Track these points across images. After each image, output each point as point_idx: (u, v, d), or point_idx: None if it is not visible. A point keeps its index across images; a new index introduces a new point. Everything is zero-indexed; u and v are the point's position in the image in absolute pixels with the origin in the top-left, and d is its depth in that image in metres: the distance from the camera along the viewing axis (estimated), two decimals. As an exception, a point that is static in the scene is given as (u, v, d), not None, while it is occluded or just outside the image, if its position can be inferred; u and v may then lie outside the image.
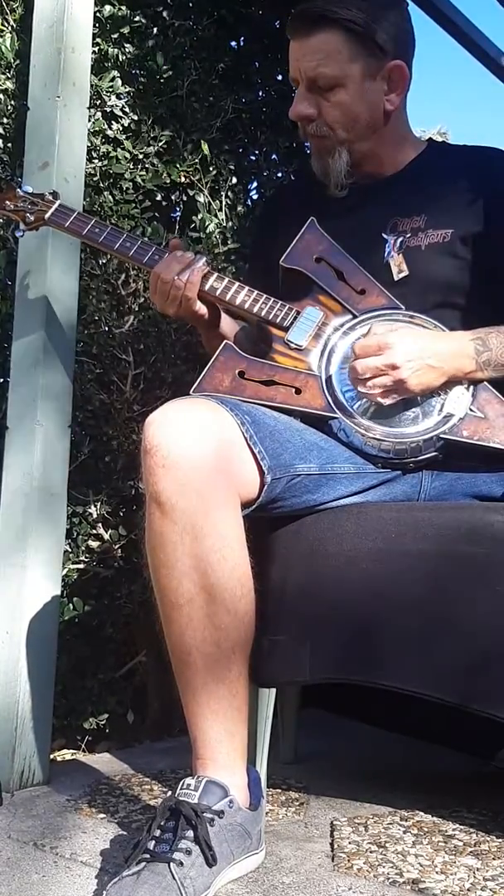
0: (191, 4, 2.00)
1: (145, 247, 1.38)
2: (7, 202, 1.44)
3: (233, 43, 2.09)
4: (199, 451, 1.09)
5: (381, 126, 1.43)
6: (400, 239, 1.40)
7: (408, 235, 1.40)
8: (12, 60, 1.76)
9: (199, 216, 1.93)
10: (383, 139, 1.44)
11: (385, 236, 1.41)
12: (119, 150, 1.85)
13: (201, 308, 1.37)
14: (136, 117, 1.86)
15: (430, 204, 1.41)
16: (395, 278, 1.39)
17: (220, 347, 1.30)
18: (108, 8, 1.82)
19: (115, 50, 1.84)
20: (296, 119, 1.44)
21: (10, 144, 1.76)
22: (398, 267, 1.39)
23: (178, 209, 1.98)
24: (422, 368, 1.25)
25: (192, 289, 1.34)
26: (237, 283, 1.36)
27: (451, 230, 1.38)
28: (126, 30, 1.84)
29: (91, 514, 1.85)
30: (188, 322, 1.45)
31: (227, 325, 1.47)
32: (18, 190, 1.44)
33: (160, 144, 1.89)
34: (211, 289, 1.36)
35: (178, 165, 1.91)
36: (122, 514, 1.90)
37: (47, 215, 1.42)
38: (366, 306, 1.35)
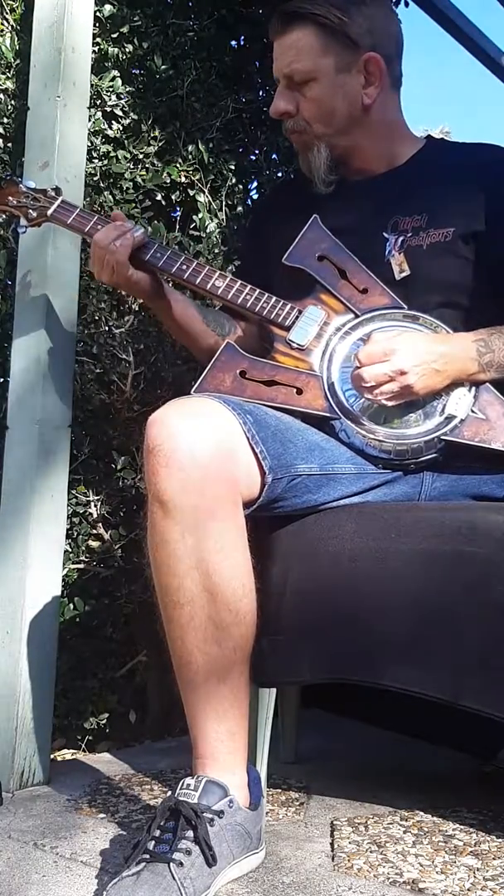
0: (191, 4, 2.00)
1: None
2: (9, 198, 1.43)
3: (233, 43, 2.09)
4: (202, 451, 1.09)
5: (361, 120, 1.43)
6: (401, 238, 1.40)
7: (409, 234, 1.40)
8: (12, 60, 1.76)
9: (200, 216, 1.93)
10: (367, 133, 1.45)
11: (386, 235, 1.41)
12: (119, 149, 1.85)
13: (135, 274, 1.37)
14: (136, 117, 1.86)
15: (431, 202, 1.41)
16: (397, 277, 1.38)
17: (222, 347, 1.29)
18: (108, 7, 1.82)
19: (115, 49, 1.84)
20: (275, 116, 1.46)
21: (10, 144, 1.76)
22: (399, 266, 1.39)
23: (178, 209, 1.98)
24: (427, 372, 1.25)
25: (123, 252, 1.34)
26: (239, 282, 1.36)
27: (453, 229, 1.38)
28: (126, 29, 1.84)
29: (91, 514, 1.85)
30: (130, 292, 1.46)
31: (180, 303, 1.46)
32: (21, 186, 1.43)
33: (160, 144, 1.89)
34: (213, 287, 1.36)
35: (178, 165, 1.90)
36: (122, 514, 1.90)
37: (50, 211, 1.42)
38: (368, 305, 1.35)
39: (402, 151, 1.48)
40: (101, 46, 1.82)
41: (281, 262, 1.37)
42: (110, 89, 1.82)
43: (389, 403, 1.27)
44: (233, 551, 1.11)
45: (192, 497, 1.08)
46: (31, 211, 1.42)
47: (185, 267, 1.36)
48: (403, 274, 1.39)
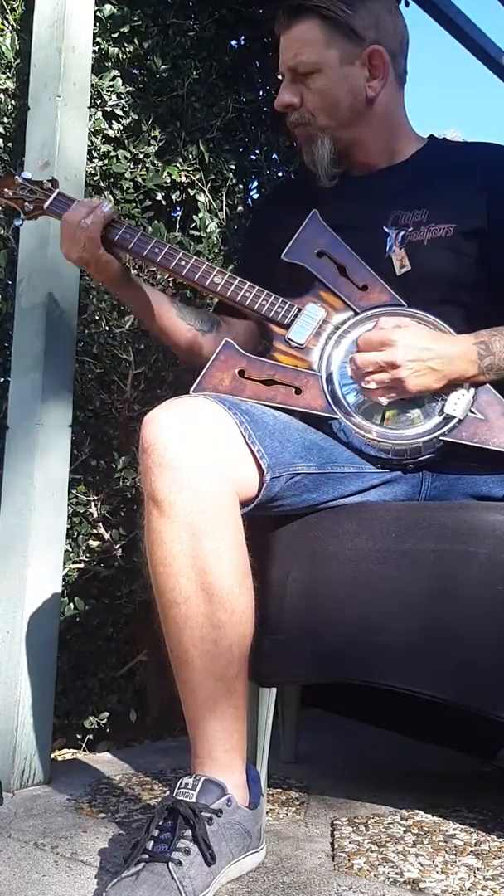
0: (191, 4, 2.00)
1: (145, 239, 1.38)
2: (6, 190, 1.42)
3: (233, 42, 2.09)
4: (196, 450, 1.09)
5: (364, 112, 1.44)
6: (402, 233, 1.40)
7: (409, 230, 1.40)
8: (12, 60, 1.76)
9: (200, 215, 1.93)
10: (370, 126, 1.45)
11: (386, 230, 1.41)
12: (119, 149, 1.85)
13: (105, 255, 1.35)
14: (136, 117, 1.86)
15: (431, 198, 1.41)
16: (398, 273, 1.38)
17: (221, 346, 1.29)
18: (108, 7, 1.82)
19: (116, 49, 1.84)
20: (280, 108, 1.46)
21: (10, 144, 1.76)
22: (400, 262, 1.39)
23: (178, 209, 1.98)
24: (422, 370, 1.24)
25: (94, 229, 1.34)
26: (238, 279, 1.36)
27: (454, 225, 1.38)
28: (126, 29, 1.84)
29: (91, 513, 1.85)
30: (98, 273, 1.41)
31: (150, 293, 1.45)
32: (17, 177, 1.42)
33: (160, 144, 1.89)
34: (211, 284, 1.35)
35: (178, 165, 1.90)
36: (122, 513, 1.90)
37: (46, 204, 1.41)
38: (367, 303, 1.35)
39: (404, 148, 1.49)
40: (102, 46, 1.82)
41: (280, 258, 1.37)
42: (110, 89, 1.82)
43: (384, 400, 1.26)
44: (228, 550, 1.10)
45: (186, 496, 1.08)
46: (27, 203, 1.41)
47: (183, 263, 1.35)
48: (404, 269, 1.39)
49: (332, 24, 1.39)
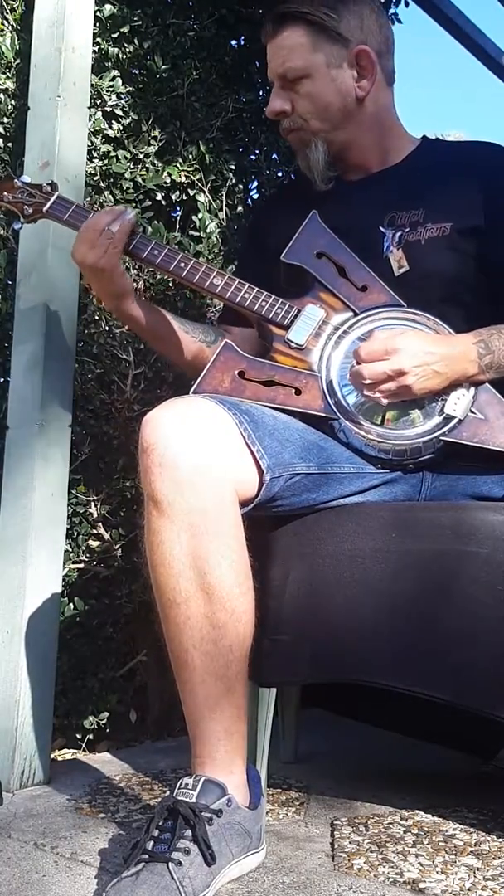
0: (191, 4, 2.00)
1: (144, 241, 1.38)
2: (5, 193, 1.42)
3: (233, 42, 2.09)
4: (196, 450, 1.09)
5: (355, 113, 1.45)
6: (399, 233, 1.40)
7: (406, 230, 1.40)
8: (12, 60, 1.76)
9: (200, 216, 1.93)
10: (361, 127, 1.46)
11: (383, 230, 1.41)
12: (119, 149, 1.85)
13: (119, 267, 1.35)
14: (136, 117, 1.86)
15: (427, 197, 1.41)
16: (396, 273, 1.39)
17: (220, 347, 1.29)
18: (108, 7, 1.82)
19: (115, 49, 1.84)
20: (272, 116, 1.47)
21: (10, 144, 1.76)
22: (398, 262, 1.39)
23: (178, 209, 1.98)
24: (427, 374, 1.25)
25: (120, 237, 1.33)
26: (237, 281, 1.36)
27: (450, 223, 1.38)
28: (126, 29, 1.84)
29: (91, 514, 1.85)
30: (107, 284, 1.38)
31: (154, 309, 1.45)
32: (16, 181, 1.42)
33: (160, 144, 1.89)
34: (211, 286, 1.35)
35: (178, 165, 1.90)
36: (122, 514, 1.90)
37: (45, 207, 1.41)
38: (367, 304, 1.35)
39: (398, 148, 1.49)
40: (101, 46, 1.82)
41: (280, 259, 1.37)
42: (110, 89, 1.82)
43: (386, 402, 1.27)
44: (228, 550, 1.10)
45: (186, 496, 1.08)
46: (26, 207, 1.41)
47: (182, 265, 1.36)
48: (402, 270, 1.39)
49: (318, 28, 1.40)
